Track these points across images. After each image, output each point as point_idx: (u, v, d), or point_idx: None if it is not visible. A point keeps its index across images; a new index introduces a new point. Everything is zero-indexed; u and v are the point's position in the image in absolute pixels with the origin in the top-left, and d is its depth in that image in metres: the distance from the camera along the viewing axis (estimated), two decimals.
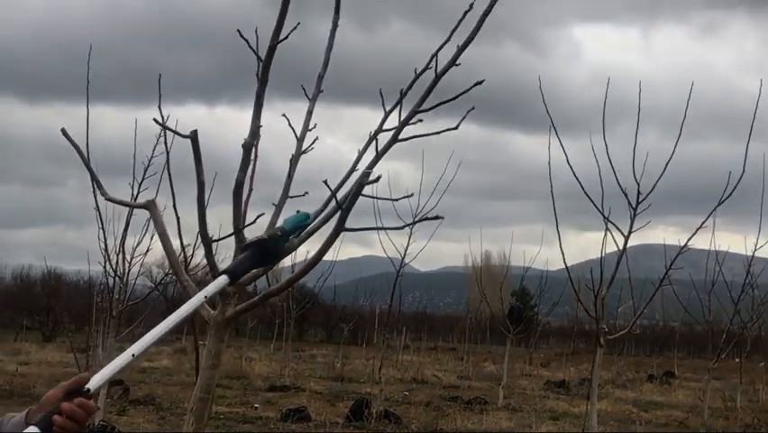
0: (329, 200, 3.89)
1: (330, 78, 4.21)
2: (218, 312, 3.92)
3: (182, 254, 5.18)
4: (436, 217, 4.30)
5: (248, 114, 3.89)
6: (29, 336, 38.04)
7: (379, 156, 3.82)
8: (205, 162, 3.83)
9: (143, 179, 11.89)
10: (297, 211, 2.37)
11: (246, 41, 3.88)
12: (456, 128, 3.98)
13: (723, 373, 22.89)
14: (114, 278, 13.21)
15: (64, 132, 4.05)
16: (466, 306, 58.39)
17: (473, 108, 3.98)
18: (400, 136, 3.89)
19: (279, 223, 2.41)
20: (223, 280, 1.98)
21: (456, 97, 3.79)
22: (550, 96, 10.70)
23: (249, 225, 3.98)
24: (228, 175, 4.21)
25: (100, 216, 12.28)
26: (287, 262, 17.66)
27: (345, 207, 3.59)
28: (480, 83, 3.77)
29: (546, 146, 10.71)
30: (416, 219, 4.75)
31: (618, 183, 10.58)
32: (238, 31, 3.88)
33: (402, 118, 3.89)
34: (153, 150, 11.71)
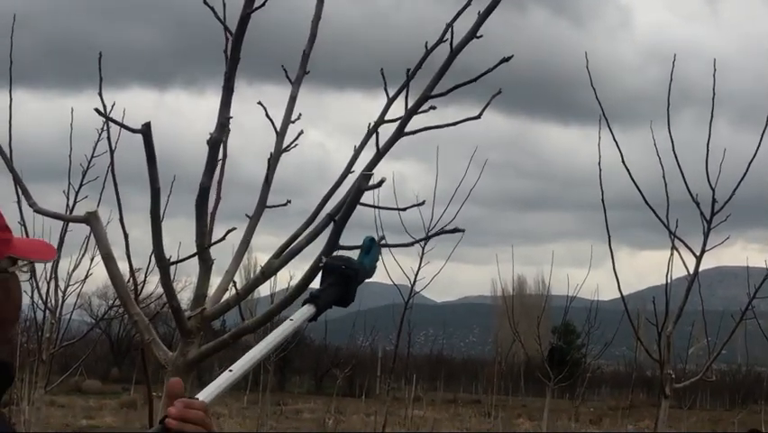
0: (317, 211, 3.91)
1: (317, 56, 4.23)
2: (178, 354, 3.92)
3: (131, 281, 5.19)
4: (456, 230, 4.34)
5: (209, 101, 3.94)
6: None
7: (380, 154, 3.84)
8: (159, 162, 3.85)
9: (81, 186, 11.87)
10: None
11: (212, 8, 3.91)
12: (479, 117, 3.97)
13: None
14: (45, 312, 13.24)
15: None
16: (494, 346, 58.36)
17: (500, 92, 3.98)
18: (407, 128, 3.90)
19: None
20: (307, 310, 2.15)
21: (479, 77, 3.80)
22: (584, 79, 10.75)
23: (216, 242, 3.99)
24: (188, 180, 4.24)
25: (26, 231, 12.30)
26: (264, 290, 17.73)
27: (340, 218, 3.59)
28: (507, 60, 3.77)
29: (588, 141, 10.74)
30: (430, 234, 4.79)
31: (688, 189, 10.58)
32: None
33: (410, 105, 3.91)
34: (94, 148, 11.67)
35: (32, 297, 13.36)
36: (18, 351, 15.78)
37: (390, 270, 18.22)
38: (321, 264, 2.24)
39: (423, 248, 17.79)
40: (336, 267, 2.21)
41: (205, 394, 2.02)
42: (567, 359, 40.77)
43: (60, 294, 13.15)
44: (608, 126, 10.86)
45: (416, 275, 18.06)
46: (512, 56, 3.75)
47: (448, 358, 66.66)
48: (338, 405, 30.60)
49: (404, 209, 4.01)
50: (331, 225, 3.68)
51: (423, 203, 4.19)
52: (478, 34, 3.79)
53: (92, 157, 11.66)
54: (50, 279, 12.89)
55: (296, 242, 3.89)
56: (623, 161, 10.61)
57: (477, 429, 30.42)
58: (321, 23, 4.14)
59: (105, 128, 6.33)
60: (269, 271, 3.94)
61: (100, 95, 4.43)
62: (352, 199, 3.58)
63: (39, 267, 13.06)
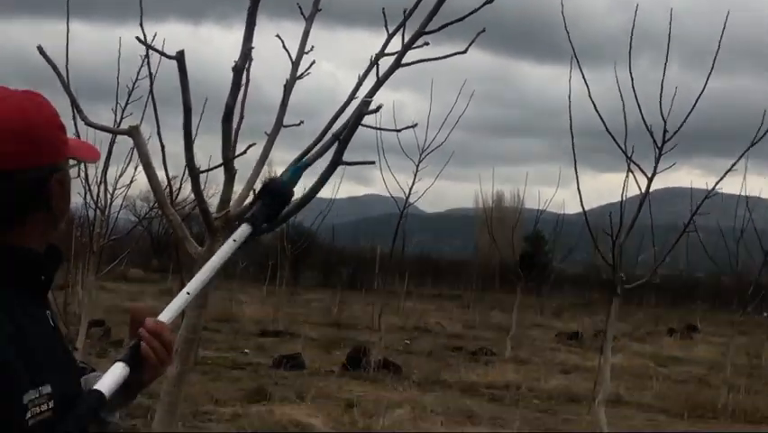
0: (326, 130, 3.88)
1: None
2: (206, 249, 3.94)
3: (167, 186, 5.17)
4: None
5: (236, 34, 3.87)
6: None
7: (380, 82, 3.81)
8: (191, 87, 3.81)
9: (127, 105, 11.79)
10: (300, 163, 2.40)
11: None
12: (465, 52, 3.95)
13: (749, 328, 23.01)
14: (96, 211, 13.24)
15: (41, 49, 4.01)
16: (474, 251, 58.57)
17: (483, 30, 3.93)
18: (404, 60, 3.87)
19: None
20: (245, 229, 2.05)
21: (466, 17, 3.76)
22: (558, 21, 10.63)
23: (239, 155, 3.98)
24: (216, 102, 4.20)
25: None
26: None
27: (343, 137, 3.58)
28: (489, 1, 3.73)
29: (561, 77, 10.68)
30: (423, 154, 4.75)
31: (644, 120, 10.53)
32: None
33: (406, 41, 3.86)
34: (138, 73, 11.56)
35: (84, 198, 13.37)
36: (73, 243, 15.77)
37: (389, 184, 18.25)
38: (259, 196, 2.14)
39: (417, 166, 17.81)
40: (265, 186, 2.14)
41: (165, 316, 1.95)
42: (536, 263, 40.95)
43: (109, 196, 13.14)
44: (578, 65, 10.77)
45: (411, 189, 18.10)
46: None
47: (435, 260, 66.81)
48: (342, 296, 30.78)
49: (399, 130, 3.99)
50: (336, 144, 3.66)
51: (416, 125, 4.17)
52: None
53: (136, 80, 11.51)
54: (100, 183, 12.88)
55: (306, 156, 3.87)
56: (589, 96, 10.54)
57: (458, 318, 30.58)
58: None
59: (146, 55, 6.25)
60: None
61: (141, 26, 4.39)
62: (355, 121, 3.57)
63: (90, 173, 13.04)
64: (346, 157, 3.72)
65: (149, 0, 4.60)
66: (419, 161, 17.46)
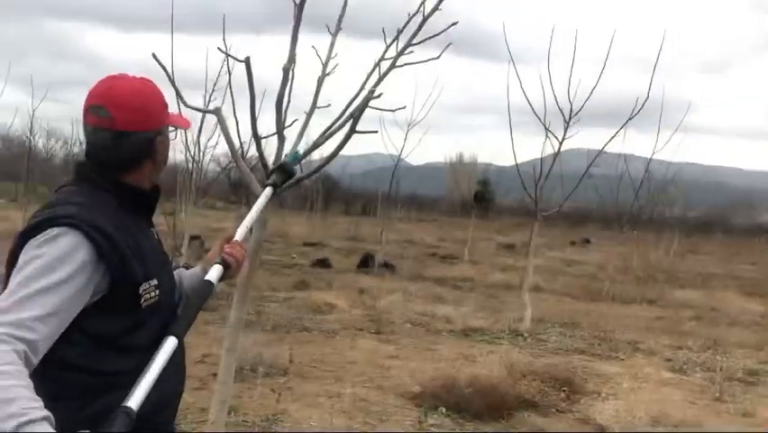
0: (344, 111, 3.85)
1: (348, 17, 4.10)
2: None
3: (240, 148, 5.16)
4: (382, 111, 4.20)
5: (285, 43, 3.81)
6: None
7: (381, 78, 3.76)
8: (255, 81, 3.78)
9: (212, 93, 11.71)
10: (296, 151, 2.71)
11: None
12: (438, 58, 3.92)
13: (625, 242, 23.06)
14: (193, 163, 13.21)
15: (154, 56, 3.97)
16: (444, 191, 58.55)
17: (451, 43, 3.90)
18: (397, 63, 3.82)
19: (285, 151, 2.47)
20: (270, 190, 2.24)
21: (437, 35, 3.72)
22: (503, 37, 10.53)
23: (287, 126, 3.95)
24: (271, 90, 4.15)
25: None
26: (315, 155, 17.49)
27: (356, 115, 3.56)
28: (455, 24, 3.68)
29: (503, 75, 10.65)
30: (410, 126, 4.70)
31: (557, 103, 10.50)
32: None
33: (398, 50, 3.82)
34: (220, 70, 11.48)
35: (185, 155, 13.33)
36: (178, 184, 15.73)
37: (387, 146, 18.22)
38: (274, 169, 2.36)
39: (406, 134, 17.71)
40: (278, 166, 2.34)
41: (238, 236, 2.07)
42: (485, 198, 40.98)
43: (202, 154, 13.13)
44: (514, 66, 10.69)
45: (402, 149, 18.05)
46: (457, 22, 3.65)
47: (419, 196, 66.78)
48: (357, 221, 30.85)
49: (394, 110, 3.93)
50: (351, 120, 3.64)
51: (405, 107, 4.12)
52: (439, 8, 3.68)
53: (218, 75, 11.45)
54: (196, 144, 12.85)
55: (332, 128, 3.85)
56: (522, 88, 10.50)
57: (433, 234, 30.71)
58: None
59: (225, 59, 6.17)
60: (318, 143, 3.90)
61: (224, 40, 4.33)
62: (363, 104, 3.55)
63: (189, 138, 13.00)
64: (358, 127, 3.70)
65: (228, 20, 4.51)
66: (407, 131, 17.38)
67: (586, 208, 51.21)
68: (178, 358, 1.81)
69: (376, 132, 3.62)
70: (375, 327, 9.42)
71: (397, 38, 3.84)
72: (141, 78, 1.87)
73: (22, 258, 1.63)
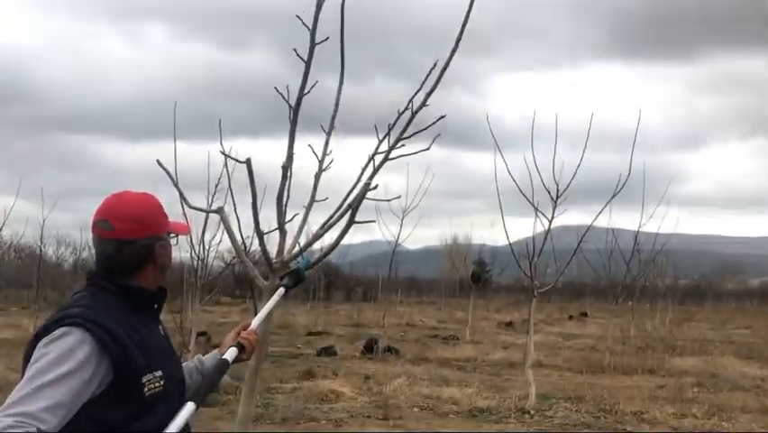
0: (342, 203, 3.88)
1: (340, 117, 4.18)
2: (270, 283, 3.92)
3: (243, 243, 5.15)
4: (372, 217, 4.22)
5: (283, 144, 3.89)
6: None
7: (375, 171, 3.81)
8: (256, 180, 3.83)
9: (215, 193, 11.80)
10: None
11: (281, 95, 3.87)
12: (428, 149, 3.96)
13: (621, 313, 22.84)
14: (198, 261, 13.18)
15: (158, 162, 4.04)
16: (441, 272, 58.29)
17: (439, 135, 3.96)
18: (390, 156, 3.88)
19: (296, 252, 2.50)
20: (282, 291, 2.35)
21: (426, 128, 3.78)
22: (485, 125, 10.76)
23: (288, 221, 3.97)
24: (271, 187, 4.19)
25: (186, 218, 12.21)
26: (317, 246, 17.48)
27: (354, 206, 3.59)
28: (442, 117, 3.76)
29: (488, 160, 10.82)
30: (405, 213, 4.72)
31: (543, 184, 10.61)
32: (275, 88, 3.87)
33: (390, 143, 3.88)
34: (220, 173, 11.61)
35: (190, 253, 13.32)
36: (184, 282, 15.66)
37: (384, 233, 18.31)
38: (288, 273, 2.49)
39: (402, 221, 17.84)
40: (292, 271, 2.48)
41: (253, 326, 2.18)
42: (481, 278, 40.80)
43: (206, 251, 13.13)
44: (500, 151, 10.86)
45: (399, 235, 18.11)
46: (445, 115, 3.73)
47: (417, 280, 66.61)
48: (359, 307, 30.63)
49: (389, 200, 3.95)
50: (349, 211, 3.67)
51: (399, 197, 4.18)
52: (426, 104, 3.76)
53: (220, 177, 11.58)
54: (200, 244, 12.87)
55: (332, 219, 3.87)
56: (508, 170, 10.64)
57: (433, 316, 30.47)
58: (341, 100, 4.11)
59: (225, 162, 6.25)
60: (319, 234, 3.91)
61: (221, 143, 4.41)
62: (360, 195, 3.58)
63: (194, 237, 13.00)
64: (357, 218, 3.71)
65: (225, 125, 4.62)
66: (402, 218, 17.50)
67: (580, 282, 51.04)
68: None
69: (374, 221, 3.63)
70: (382, 412, 9.17)
71: (388, 133, 3.91)
72: (143, 193, 2.01)
73: (33, 356, 1.74)
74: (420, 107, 3.79)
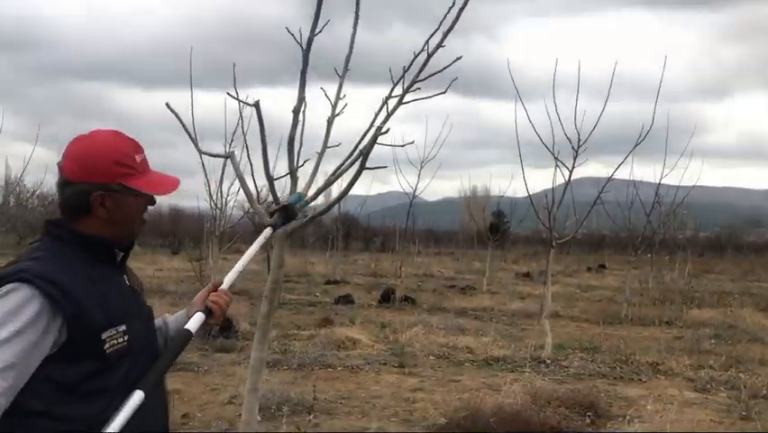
0: (354, 149, 3.78)
1: (354, 65, 4.04)
2: (281, 229, 3.86)
3: (256, 190, 5.09)
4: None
5: (295, 89, 3.76)
6: (161, 251, 38.51)
7: (389, 115, 3.70)
8: (270, 128, 3.72)
9: (232, 141, 11.76)
10: (299, 193, 2.73)
11: (293, 35, 3.73)
12: (444, 92, 3.83)
13: (640, 265, 22.64)
14: (217, 210, 13.22)
15: (168, 105, 3.94)
16: (460, 223, 58.25)
17: (456, 78, 3.81)
18: (404, 100, 3.75)
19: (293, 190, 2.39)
20: (268, 231, 2.24)
21: (442, 71, 3.64)
22: (505, 74, 10.51)
23: (299, 167, 3.89)
24: (284, 136, 4.08)
25: (204, 167, 12.22)
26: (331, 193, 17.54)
27: (365, 151, 3.49)
28: (458, 59, 3.61)
29: (509, 109, 10.60)
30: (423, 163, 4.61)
31: (565, 133, 10.39)
32: (287, 29, 3.72)
33: (405, 87, 3.75)
34: (237, 121, 11.52)
35: (209, 203, 13.34)
36: (204, 231, 15.75)
37: (402, 184, 18.21)
38: (277, 210, 2.33)
39: (420, 171, 17.68)
40: (279, 208, 2.32)
41: (225, 285, 2.03)
42: (499, 230, 40.65)
43: (224, 200, 13.15)
44: (521, 100, 10.63)
45: (416, 186, 17.98)
46: (461, 56, 3.58)
47: (436, 231, 66.62)
48: (377, 257, 30.73)
49: (402, 146, 3.85)
50: (361, 157, 3.56)
51: (413, 142, 4.05)
52: (443, 44, 3.61)
53: (237, 125, 11.45)
54: (218, 192, 12.88)
55: (343, 166, 3.77)
56: (529, 120, 10.42)
57: (451, 267, 30.52)
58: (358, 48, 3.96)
59: (239, 108, 6.14)
60: (330, 180, 3.83)
61: (235, 88, 4.28)
62: (372, 141, 3.46)
63: (212, 186, 12.97)
64: (368, 164, 3.61)
65: (241, 73, 4.47)
66: (420, 168, 17.35)
67: (599, 234, 50.75)
68: (157, 402, 1.82)
69: (386, 167, 3.52)
70: (398, 360, 9.22)
71: (403, 76, 3.78)
72: (110, 133, 1.82)
73: None
74: (436, 48, 3.64)
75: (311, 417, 6.50)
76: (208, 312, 1.95)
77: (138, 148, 1.83)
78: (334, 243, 27.75)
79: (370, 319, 12.89)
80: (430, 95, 3.82)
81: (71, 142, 1.82)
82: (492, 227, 37.01)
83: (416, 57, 3.74)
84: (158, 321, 2.02)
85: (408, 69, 3.79)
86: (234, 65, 4.44)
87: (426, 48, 3.65)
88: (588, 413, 6.66)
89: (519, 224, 32.57)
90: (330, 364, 8.82)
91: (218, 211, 13.37)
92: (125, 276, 1.89)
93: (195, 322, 1.90)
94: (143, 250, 38.27)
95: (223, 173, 12.47)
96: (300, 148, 4.00)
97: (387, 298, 16.06)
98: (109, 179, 1.78)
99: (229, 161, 4.33)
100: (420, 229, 46.62)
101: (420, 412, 6.85)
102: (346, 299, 16.01)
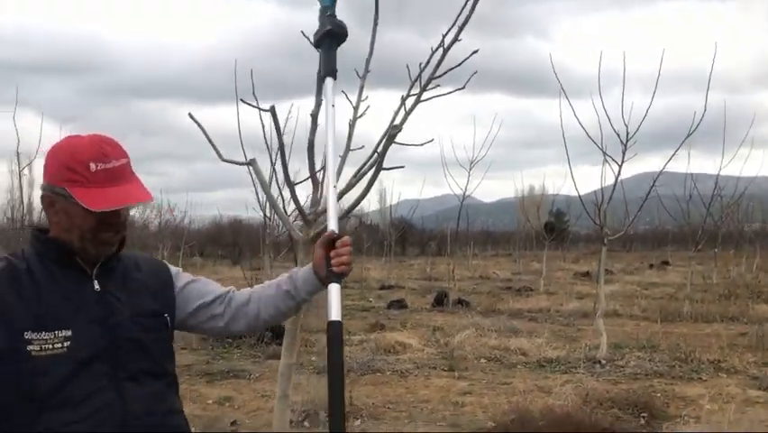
0: (374, 151, 3.71)
1: (374, 65, 3.96)
2: (304, 234, 3.82)
3: (280, 196, 5.08)
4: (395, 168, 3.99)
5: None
6: (222, 262, 39.30)
7: (407, 113, 3.61)
8: (294, 136, 3.68)
9: (278, 150, 11.84)
10: None
11: (306, 37, 3.69)
12: (463, 87, 3.72)
13: (703, 261, 21.85)
14: (265, 218, 13.34)
15: (190, 115, 3.95)
16: (517, 225, 57.47)
17: (476, 72, 3.69)
18: (422, 98, 3.66)
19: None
20: (330, 81, 2.07)
21: (459, 65, 3.53)
22: (557, 71, 10.24)
23: (319, 170, 3.83)
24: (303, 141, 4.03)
25: (253, 180, 12.31)
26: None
27: (381, 152, 3.41)
28: (475, 52, 3.49)
29: (556, 107, 10.37)
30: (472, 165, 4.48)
31: (614, 129, 10.09)
32: (302, 32, 3.67)
33: (422, 85, 3.65)
34: (283, 128, 11.58)
35: (260, 211, 13.49)
36: (262, 243, 15.96)
37: (452, 186, 18.02)
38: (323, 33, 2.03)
39: (469, 172, 17.44)
40: (325, 33, 2.06)
41: (331, 225, 1.90)
42: (556, 229, 39.90)
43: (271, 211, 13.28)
44: (567, 99, 10.38)
45: (466, 187, 17.71)
46: (477, 50, 3.45)
47: (492, 232, 65.84)
48: (432, 261, 30.58)
49: (421, 144, 3.76)
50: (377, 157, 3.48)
51: (432, 140, 3.94)
52: (459, 38, 3.50)
53: (280, 134, 11.50)
54: (265, 206, 12.98)
55: (364, 168, 3.71)
56: (576, 117, 10.17)
57: (507, 268, 30.04)
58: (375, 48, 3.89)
59: (260, 117, 6.15)
60: (350, 185, 3.77)
61: (254, 93, 4.27)
62: (388, 141, 3.39)
63: (262, 196, 13.07)
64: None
65: (291, 85, 4.46)
66: (470, 169, 17.13)
67: (662, 230, 49.21)
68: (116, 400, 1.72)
69: (403, 167, 3.42)
70: (448, 364, 9.09)
71: (420, 73, 3.68)
72: (80, 138, 1.77)
73: None
74: (452, 43, 3.53)
75: (358, 422, 6.46)
76: (341, 277, 1.83)
77: (102, 157, 1.71)
78: (389, 247, 27.75)
79: (421, 323, 12.78)
80: (449, 91, 3.71)
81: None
82: (548, 226, 36.36)
83: (433, 53, 3.65)
84: (282, 280, 2.00)
85: (425, 66, 3.70)
86: (252, 71, 4.44)
87: (442, 44, 3.56)
88: (642, 414, 6.41)
89: (576, 222, 31.90)
90: (379, 369, 8.76)
91: (269, 220, 13.49)
92: (95, 282, 1.78)
93: (335, 307, 1.78)
94: (205, 262, 39.14)
95: (270, 182, 12.57)
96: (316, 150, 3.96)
97: (440, 301, 15.91)
98: (55, 181, 1.74)
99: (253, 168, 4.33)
100: (476, 231, 46.14)
101: (468, 416, 6.72)
102: (399, 304, 15.93)
